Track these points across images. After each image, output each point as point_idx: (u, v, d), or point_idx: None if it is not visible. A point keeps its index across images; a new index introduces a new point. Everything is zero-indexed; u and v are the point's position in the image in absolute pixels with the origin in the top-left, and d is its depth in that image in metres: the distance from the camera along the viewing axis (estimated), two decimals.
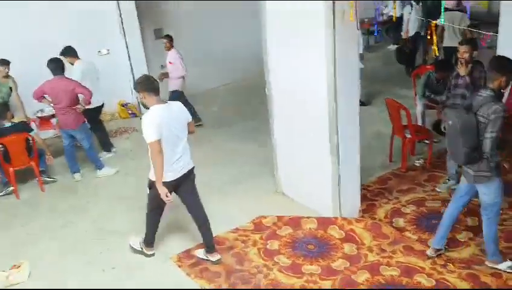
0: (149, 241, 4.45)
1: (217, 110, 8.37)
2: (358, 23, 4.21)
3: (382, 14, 11.25)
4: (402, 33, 9.40)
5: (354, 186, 4.83)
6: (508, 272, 3.86)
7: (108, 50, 8.04)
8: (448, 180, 5.21)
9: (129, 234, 4.71)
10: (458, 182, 5.07)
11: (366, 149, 5.49)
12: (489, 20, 7.18)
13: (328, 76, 4.25)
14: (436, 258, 4.12)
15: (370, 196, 5.22)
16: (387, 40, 11.56)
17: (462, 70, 4.58)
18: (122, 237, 4.76)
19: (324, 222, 4.74)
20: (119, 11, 7.81)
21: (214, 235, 4.48)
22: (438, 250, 4.13)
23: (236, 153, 6.56)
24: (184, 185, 4.16)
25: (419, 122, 6.30)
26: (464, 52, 4.58)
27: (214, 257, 4.27)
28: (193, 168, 4.21)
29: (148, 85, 3.88)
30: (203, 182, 5.72)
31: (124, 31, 7.93)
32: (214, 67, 8.93)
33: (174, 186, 4.08)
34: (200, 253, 4.38)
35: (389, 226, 4.64)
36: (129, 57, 8.07)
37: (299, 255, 4.35)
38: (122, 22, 7.88)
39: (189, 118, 4.14)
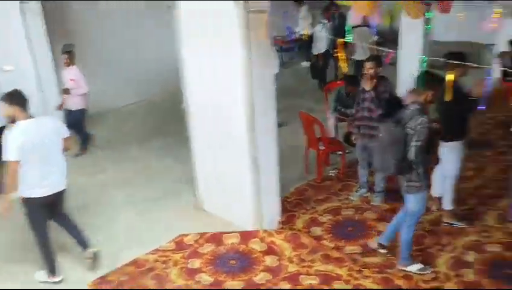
0: (51, 268, 4.16)
1: (133, 127, 8.10)
2: (272, 40, 4.29)
3: (295, 32, 11.63)
4: (313, 50, 9.76)
5: (273, 199, 4.88)
6: (418, 274, 4.07)
7: (12, 67, 7.45)
8: (360, 188, 5.43)
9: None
10: (369, 190, 5.35)
11: (284, 162, 5.58)
12: (393, 37, 7.68)
13: (245, 90, 4.28)
14: (353, 265, 4.25)
15: (289, 207, 5.30)
16: (300, 57, 11.96)
17: (367, 85, 4.83)
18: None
19: (246, 236, 4.72)
20: (25, 26, 7.29)
21: (133, 259, 4.29)
22: (381, 246, 4.37)
23: (156, 170, 6.37)
24: (56, 205, 4.10)
25: (332, 135, 6.55)
26: (369, 68, 4.84)
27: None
28: (65, 189, 4.11)
29: (21, 99, 3.81)
30: (121, 202, 5.54)
31: (31, 46, 7.40)
32: (130, 82, 8.64)
33: (44, 204, 3.95)
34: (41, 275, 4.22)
35: (307, 236, 4.73)
36: (37, 74, 7.54)
37: (221, 271, 4.28)
38: (29, 37, 7.35)
39: (66, 133, 4.08)
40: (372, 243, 4.45)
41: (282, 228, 4.89)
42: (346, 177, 5.93)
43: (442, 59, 4.28)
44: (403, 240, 4.11)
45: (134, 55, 8.64)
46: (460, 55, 4.43)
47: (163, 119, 8.09)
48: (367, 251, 4.44)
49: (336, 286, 4.01)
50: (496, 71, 7.44)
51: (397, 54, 7.11)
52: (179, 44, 4.80)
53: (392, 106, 5.32)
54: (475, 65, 4.33)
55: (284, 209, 5.16)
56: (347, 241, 4.62)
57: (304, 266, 4.29)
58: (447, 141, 4.59)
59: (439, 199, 4.93)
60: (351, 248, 4.52)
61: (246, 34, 4.09)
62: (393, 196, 5.32)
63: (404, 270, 4.12)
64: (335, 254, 4.43)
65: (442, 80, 3.90)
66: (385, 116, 5.00)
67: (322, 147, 5.89)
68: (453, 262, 4.22)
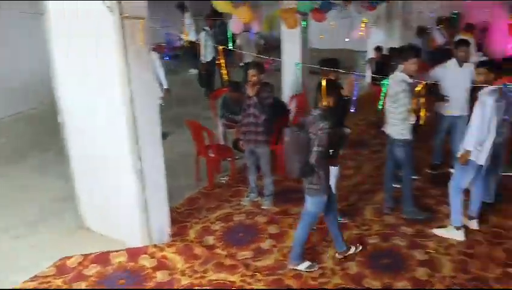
0: None
1: (6, 143, 7.32)
2: (151, 47, 4.13)
3: (180, 39, 11.50)
4: (201, 58, 9.71)
5: (162, 211, 4.69)
6: (307, 272, 4.19)
7: None
8: (251, 193, 5.47)
9: None
10: (259, 194, 5.41)
11: (173, 171, 5.43)
12: (278, 44, 7.92)
13: (124, 100, 4.06)
14: (245, 271, 4.24)
15: (180, 217, 5.15)
16: (188, 64, 11.85)
17: (250, 91, 4.89)
18: None
19: (134, 253, 4.48)
20: None
21: (9, 288, 3.83)
22: (346, 251, 4.38)
23: (34, 189, 5.82)
24: None
25: (222, 142, 6.54)
26: (252, 75, 4.90)
27: None
28: None
29: None
30: None
31: None
32: (2, 94, 7.82)
33: None
34: None
35: (200, 246, 4.63)
36: None
37: None
38: None
39: None
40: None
41: (173, 241, 4.72)
42: (236, 183, 5.95)
43: (318, 66, 4.48)
44: (296, 237, 4.23)
45: (7, 65, 7.84)
46: (334, 62, 4.69)
47: (42, 133, 7.44)
48: (258, 255, 4.47)
49: None
50: (367, 76, 8.06)
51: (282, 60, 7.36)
52: (51, 53, 4.42)
53: (276, 110, 5.49)
54: (344, 71, 4.59)
55: (175, 221, 5.01)
56: (239, 247, 4.61)
57: (196, 278, 4.17)
58: None
59: None
60: (243, 254, 4.51)
61: (121, 41, 3.87)
62: (283, 198, 5.49)
63: (296, 269, 4.22)
64: (228, 262, 4.38)
65: (338, 86, 4.10)
66: (270, 121, 5.15)
67: (211, 155, 5.84)
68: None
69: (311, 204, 4.09)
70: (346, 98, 4.60)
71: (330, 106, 3.91)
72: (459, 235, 4.60)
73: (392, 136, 4.83)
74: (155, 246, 4.55)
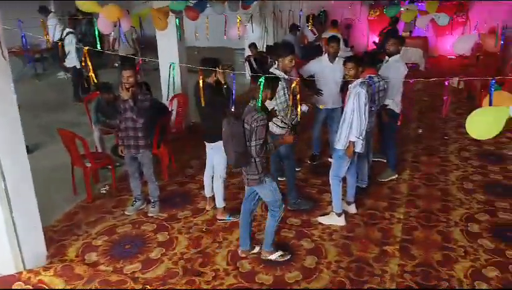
0: None
1: None
2: (5, 51, 3.66)
3: (48, 41, 10.56)
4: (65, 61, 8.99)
5: (35, 232, 4.23)
6: (279, 261, 4.26)
7: None
8: (135, 201, 5.20)
9: None
10: (145, 201, 5.17)
11: (47, 186, 4.94)
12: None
13: None
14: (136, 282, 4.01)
15: (57, 236, 4.71)
16: (57, 67, 10.96)
17: (124, 94, 4.62)
18: None
19: (6, 282, 3.98)
20: None
21: None
22: (249, 250, 4.34)
23: None
24: None
25: (99, 149, 6.13)
26: (127, 76, 4.63)
27: None
28: None
29: None
30: None
31: None
32: None
33: None
34: None
35: (81, 265, 4.27)
36: None
37: None
38: None
39: None
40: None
41: (51, 263, 4.29)
42: (119, 192, 5.62)
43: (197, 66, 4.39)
44: (267, 227, 4.23)
45: None
46: (215, 61, 4.62)
47: None
48: (147, 266, 4.25)
49: None
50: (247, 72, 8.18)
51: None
52: None
53: (156, 112, 5.28)
54: (223, 70, 4.58)
55: (52, 240, 4.57)
56: (126, 260, 4.34)
57: None
58: (212, 142, 4.75)
59: (212, 198, 5.10)
60: (131, 267, 4.25)
61: None
62: (170, 203, 5.31)
63: (268, 259, 4.27)
64: (114, 278, 4.10)
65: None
66: (150, 123, 4.93)
67: (88, 164, 5.42)
68: (231, 256, 4.38)
69: (264, 194, 4.07)
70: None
71: (268, 98, 3.91)
72: (340, 221, 4.86)
73: (275, 132, 4.92)
74: (30, 271, 4.10)
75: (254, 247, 4.42)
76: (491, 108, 2.73)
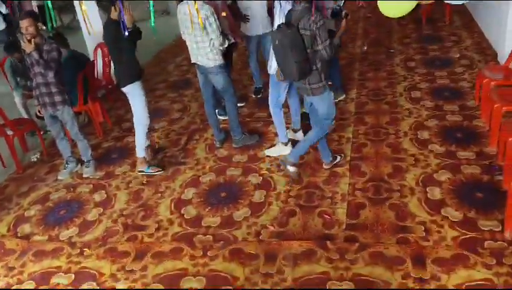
0: None
1: None
2: None
3: None
4: None
5: None
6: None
7: None
8: (68, 164, 4.77)
9: None
10: (79, 162, 4.76)
11: None
12: None
13: None
14: (71, 250, 3.68)
15: None
16: None
17: (26, 47, 4.06)
18: None
19: None
20: None
21: None
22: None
23: None
24: None
25: (24, 115, 5.58)
26: (27, 26, 4.05)
27: None
28: None
29: None
30: None
31: None
32: None
33: None
34: None
35: (13, 239, 3.90)
36: None
37: None
38: None
39: None
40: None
41: None
42: (52, 157, 5.16)
43: None
44: (312, 139, 4.06)
45: None
46: None
47: None
48: (84, 229, 3.92)
49: (53, 281, 3.40)
50: None
51: None
52: None
53: (75, 64, 4.77)
54: None
55: None
56: (61, 227, 3.99)
57: (14, 275, 3.50)
58: (123, 86, 4.31)
59: (149, 147, 4.73)
60: (67, 233, 3.91)
61: None
62: (106, 160, 4.92)
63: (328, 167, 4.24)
64: (50, 246, 3.76)
65: None
66: (69, 77, 4.44)
67: (10, 132, 4.90)
68: (175, 204, 4.08)
69: (322, 105, 3.85)
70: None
71: None
72: (287, 150, 4.59)
73: (205, 65, 4.49)
74: None
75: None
76: None
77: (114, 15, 4.03)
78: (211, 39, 4.30)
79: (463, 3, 8.08)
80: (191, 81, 6.81)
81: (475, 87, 5.07)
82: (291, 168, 4.08)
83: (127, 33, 3.86)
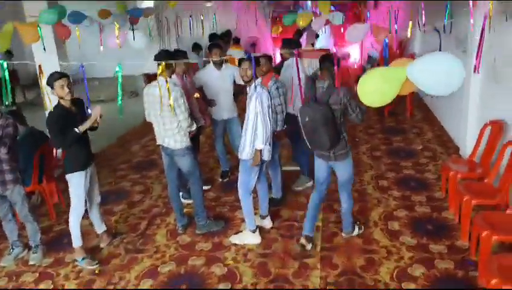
0: None
1: None
2: None
3: None
4: None
5: None
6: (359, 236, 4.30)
7: None
8: (13, 248, 4.30)
9: None
10: (25, 247, 4.30)
11: None
12: None
13: None
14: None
15: None
16: None
17: None
18: None
19: None
20: None
21: None
22: (310, 237, 4.20)
23: None
24: None
25: None
26: None
27: None
28: None
29: None
30: None
31: None
32: None
33: None
34: None
35: None
36: None
37: None
38: None
39: None
40: (302, 241, 4.18)
41: None
42: None
43: None
44: (347, 208, 4.20)
45: None
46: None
47: None
48: None
49: None
50: None
51: None
52: None
53: (32, 141, 4.49)
54: None
55: None
56: None
57: None
58: (66, 173, 4.06)
59: (105, 233, 4.36)
60: None
61: None
62: (56, 245, 4.48)
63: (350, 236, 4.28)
64: None
65: None
66: (26, 154, 4.14)
67: None
68: None
69: (345, 170, 4.03)
70: None
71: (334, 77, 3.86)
72: (255, 238, 4.33)
73: (172, 147, 4.31)
74: None
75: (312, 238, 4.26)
76: (386, 68, 2.35)
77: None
78: (179, 121, 4.17)
79: (422, 98, 8.50)
80: (156, 162, 6.58)
81: (441, 179, 5.08)
82: (355, 232, 4.32)
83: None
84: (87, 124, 3.86)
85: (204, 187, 5.46)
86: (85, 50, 6.06)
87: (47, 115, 3.90)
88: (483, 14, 3.68)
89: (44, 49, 4.79)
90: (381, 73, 2.35)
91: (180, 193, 4.82)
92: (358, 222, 4.42)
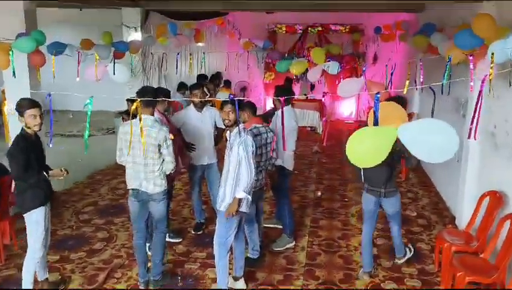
0: None
1: None
2: None
3: None
4: None
5: None
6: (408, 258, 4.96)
7: None
8: None
9: None
10: None
11: None
12: None
13: None
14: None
15: None
16: None
17: None
18: None
19: None
20: None
21: None
22: (370, 272, 4.74)
23: None
24: None
25: None
26: None
27: None
28: None
29: None
30: None
31: None
32: None
33: None
34: None
35: None
36: None
37: None
38: None
39: None
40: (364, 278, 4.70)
41: None
42: None
43: None
44: (398, 237, 4.94)
45: None
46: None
47: None
48: None
49: None
50: None
51: None
52: None
53: None
54: None
55: None
56: None
57: None
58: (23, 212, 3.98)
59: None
60: None
61: None
62: None
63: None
64: None
65: None
66: None
67: None
68: None
69: (395, 204, 4.67)
70: None
71: None
72: None
73: (149, 191, 4.21)
74: None
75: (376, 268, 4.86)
76: (376, 128, 2.34)
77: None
78: (164, 163, 4.15)
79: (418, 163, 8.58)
80: (124, 207, 6.41)
81: (435, 252, 5.02)
82: (408, 255, 5.01)
83: None
84: (54, 175, 3.99)
85: (175, 239, 5.34)
86: (64, 80, 6.04)
87: (11, 144, 3.84)
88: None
89: (14, 75, 4.76)
90: (371, 132, 2.34)
91: (147, 244, 4.68)
92: (409, 245, 5.15)
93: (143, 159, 4.13)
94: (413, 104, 9.92)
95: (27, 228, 3.98)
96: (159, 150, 4.11)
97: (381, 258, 5.08)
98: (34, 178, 3.85)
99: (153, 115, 4.18)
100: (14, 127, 3.83)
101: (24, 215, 3.96)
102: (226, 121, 4.10)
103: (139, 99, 3.76)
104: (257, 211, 4.88)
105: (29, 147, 3.79)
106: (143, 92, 4.19)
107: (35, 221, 3.93)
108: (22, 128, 3.84)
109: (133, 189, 4.28)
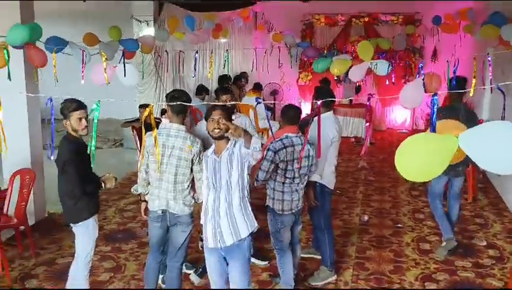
0: None
1: None
2: None
3: None
4: None
5: None
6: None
7: None
8: None
9: None
10: None
11: None
12: None
13: None
14: None
15: None
16: None
17: None
18: None
19: None
20: None
21: None
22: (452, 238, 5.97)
23: None
24: None
25: None
26: None
27: None
28: None
29: None
30: None
31: None
32: None
33: None
34: None
35: None
36: None
37: None
38: None
39: None
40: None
41: None
42: None
43: None
44: (455, 215, 6.24)
45: None
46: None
47: None
48: None
49: None
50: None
51: None
52: None
53: None
54: None
55: None
56: None
57: None
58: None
59: None
60: None
61: None
62: None
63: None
64: None
65: None
66: None
67: None
68: None
69: (461, 182, 6.01)
70: None
71: None
72: None
73: (178, 213, 4.36)
74: None
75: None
76: (433, 135, 2.34)
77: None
78: (196, 180, 4.35)
79: (489, 179, 8.44)
80: (134, 232, 6.55)
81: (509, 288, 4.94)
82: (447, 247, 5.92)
83: None
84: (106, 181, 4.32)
85: (190, 271, 5.40)
86: (65, 83, 6.24)
87: (59, 151, 4.12)
88: None
89: (9, 78, 4.95)
90: (425, 140, 2.35)
91: (160, 276, 4.75)
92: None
93: (174, 175, 4.27)
94: (482, 110, 9.82)
95: (77, 241, 4.34)
96: (191, 165, 4.30)
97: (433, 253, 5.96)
98: (91, 186, 4.18)
99: (183, 124, 4.29)
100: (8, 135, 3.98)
101: (76, 225, 4.27)
102: (216, 131, 3.84)
103: (167, 104, 3.94)
104: (292, 239, 4.90)
105: (79, 152, 4.06)
106: (174, 96, 4.27)
107: (87, 233, 4.28)
108: (67, 132, 4.12)
109: (157, 211, 4.39)
